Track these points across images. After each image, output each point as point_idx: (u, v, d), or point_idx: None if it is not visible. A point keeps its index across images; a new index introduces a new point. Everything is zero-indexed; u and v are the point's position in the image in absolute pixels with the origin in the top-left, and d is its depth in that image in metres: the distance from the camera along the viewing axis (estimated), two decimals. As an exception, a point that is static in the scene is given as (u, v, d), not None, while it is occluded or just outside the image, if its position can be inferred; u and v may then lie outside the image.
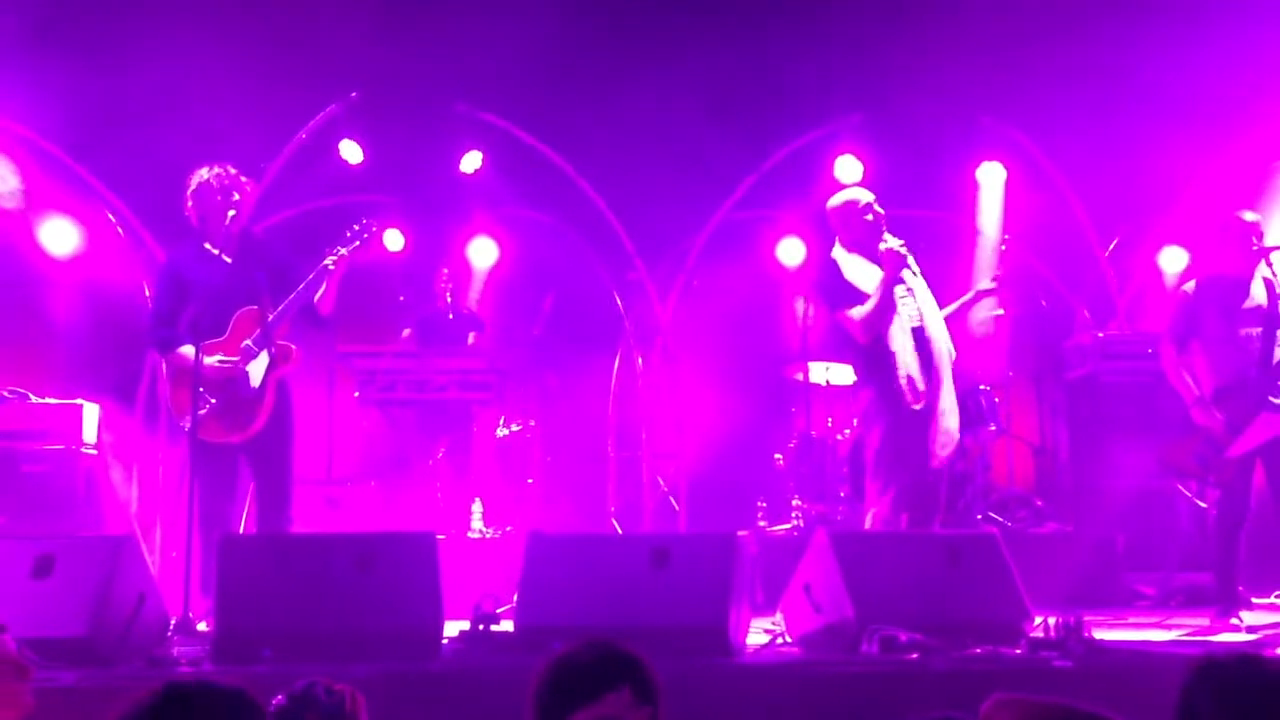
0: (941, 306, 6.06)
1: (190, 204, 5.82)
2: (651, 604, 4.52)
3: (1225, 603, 5.89)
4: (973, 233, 9.36)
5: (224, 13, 8.06)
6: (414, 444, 8.36)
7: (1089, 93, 8.67)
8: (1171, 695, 4.14)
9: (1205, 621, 5.86)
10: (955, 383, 5.96)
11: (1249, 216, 6.14)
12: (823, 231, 6.39)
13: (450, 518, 8.00)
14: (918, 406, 5.68)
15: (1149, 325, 8.71)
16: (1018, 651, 4.50)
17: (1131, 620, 6.24)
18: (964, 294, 6.41)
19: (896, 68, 8.66)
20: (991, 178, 9.35)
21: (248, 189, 5.91)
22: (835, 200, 6.07)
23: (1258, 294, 6.01)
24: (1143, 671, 4.31)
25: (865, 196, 6.00)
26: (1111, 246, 9.42)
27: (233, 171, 5.83)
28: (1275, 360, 5.90)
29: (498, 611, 4.97)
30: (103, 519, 7.70)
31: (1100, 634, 4.65)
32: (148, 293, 7.76)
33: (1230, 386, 5.96)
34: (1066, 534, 7.86)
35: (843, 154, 9.08)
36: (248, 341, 5.69)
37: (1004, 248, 8.29)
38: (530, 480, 8.43)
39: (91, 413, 7.82)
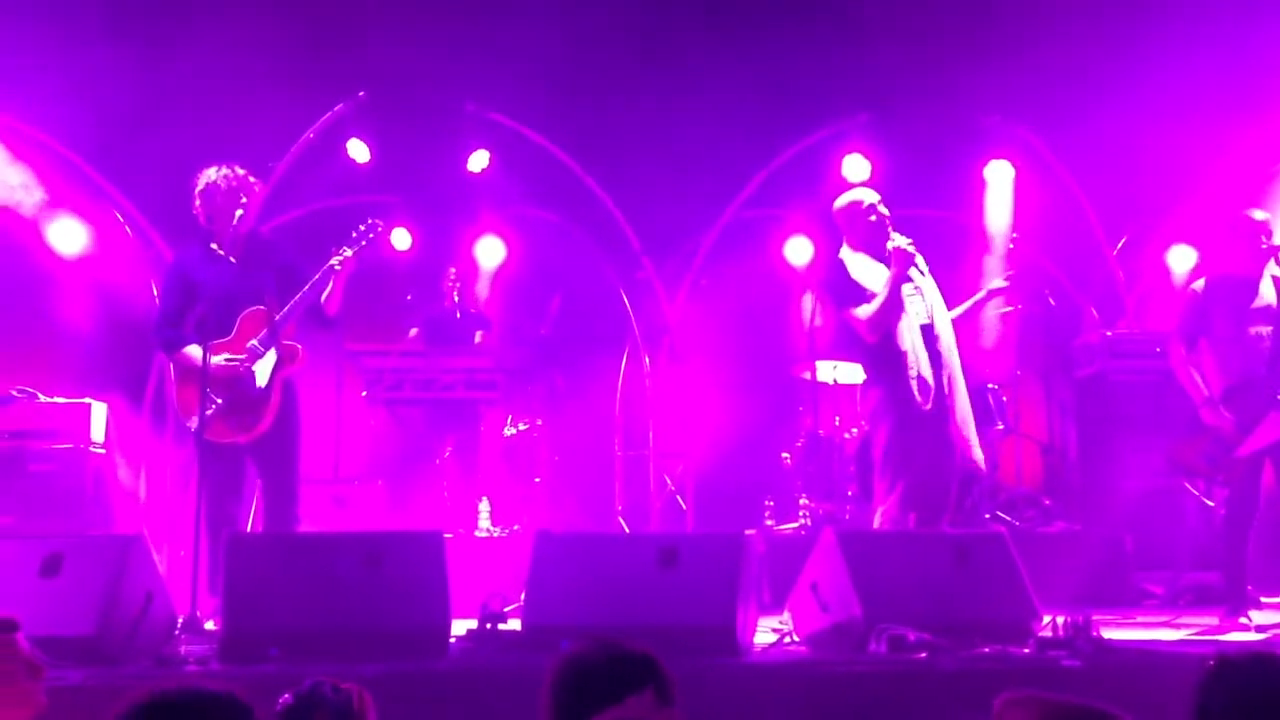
0: (951, 306, 6.06)
1: (198, 204, 5.82)
2: (659, 603, 4.52)
3: (1234, 602, 5.88)
4: (981, 232, 9.34)
5: (231, 13, 8.06)
6: (421, 443, 8.37)
7: (1097, 91, 8.65)
8: (1181, 695, 4.13)
9: (1214, 620, 5.85)
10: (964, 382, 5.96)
11: (1258, 215, 6.12)
12: (830, 231, 6.40)
13: (457, 517, 8.01)
14: (928, 406, 5.68)
15: (1157, 324, 8.69)
16: (1026, 651, 4.49)
17: (1140, 619, 6.23)
18: (975, 293, 6.40)
19: (904, 67, 8.64)
20: (999, 177, 9.32)
21: (255, 189, 5.91)
22: (840, 201, 6.09)
23: (1267, 293, 6.00)
24: (1151, 671, 4.30)
25: (870, 196, 6.00)
26: (1120, 245, 9.40)
27: (240, 172, 5.84)
28: (1285, 359, 5.89)
29: (505, 610, 4.97)
30: (111, 518, 7.71)
31: (1109, 633, 4.64)
32: (155, 292, 7.77)
33: (1239, 385, 5.95)
34: (1075, 533, 7.84)
35: (850, 153, 9.06)
36: (253, 341, 5.69)
37: (1012, 246, 8.28)
38: (537, 479, 8.44)
39: (100, 412, 7.84)
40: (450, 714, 4.12)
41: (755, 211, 9.49)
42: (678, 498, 9.02)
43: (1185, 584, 7.19)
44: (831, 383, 8.40)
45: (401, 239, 9.50)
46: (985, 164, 9.31)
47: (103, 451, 7.82)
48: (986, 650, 4.42)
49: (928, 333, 5.80)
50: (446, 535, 5.07)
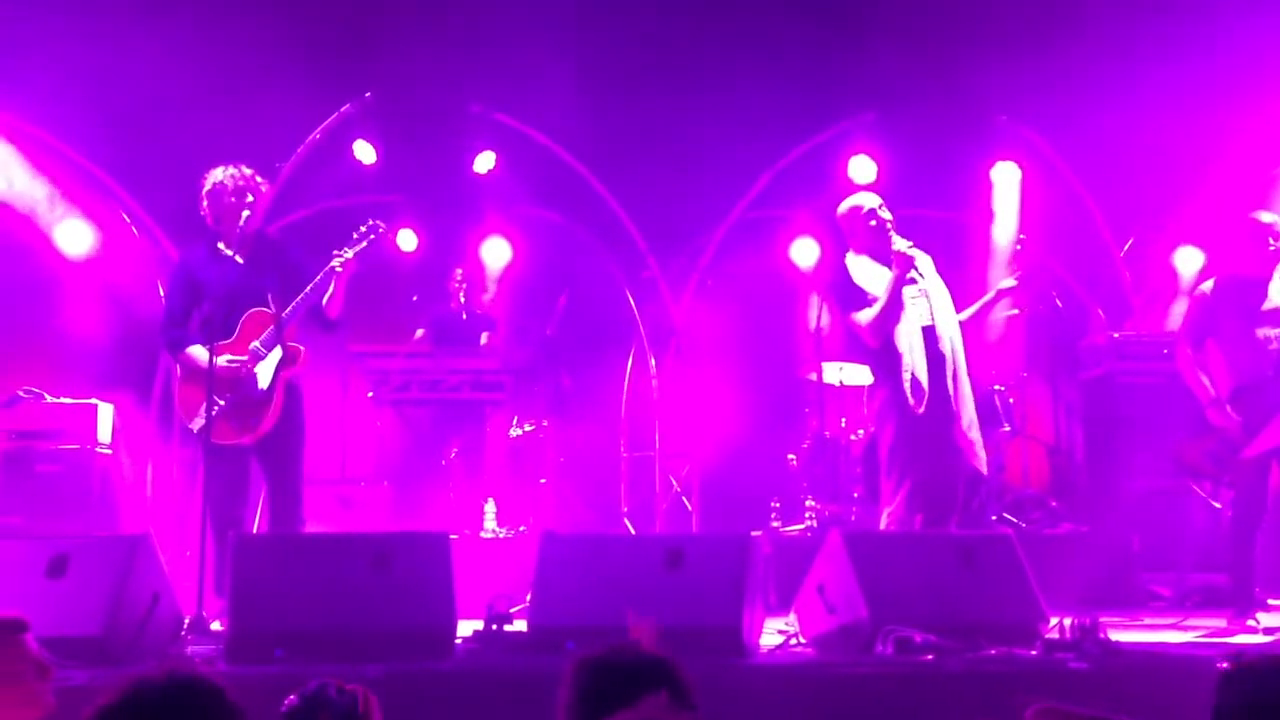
0: (959, 307, 6.06)
1: (204, 204, 5.82)
2: (665, 604, 4.49)
3: (1241, 604, 5.86)
4: (987, 233, 9.33)
5: (238, 14, 8.08)
6: (427, 444, 8.37)
7: (1104, 92, 8.63)
8: (1188, 697, 4.13)
9: (1222, 623, 5.83)
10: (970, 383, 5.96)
11: (1265, 217, 6.10)
12: (835, 234, 6.41)
13: (463, 518, 8.01)
14: (921, 409, 5.68)
15: (1164, 326, 8.68)
16: (1033, 653, 4.48)
17: (1147, 621, 6.21)
18: (983, 294, 6.40)
19: (911, 67, 8.64)
20: (1006, 177, 9.31)
21: (262, 190, 5.91)
22: (842, 206, 6.14)
23: (1275, 295, 5.98)
24: (1159, 674, 4.29)
25: (870, 201, 6.03)
26: (1127, 246, 9.39)
27: (247, 172, 5.83)
28: (1292, 361, 5.87)
29: (511, 611, 4.97)
30: (117, 518, 7.72)
31: (1116, 635, 4.63)
32: (162, 293, 7.78)
33: (1247, 387, 5.94)
34: (1081, 535, 7.83)
35: (857, 154, 9.06)
36: (256, 343, 5.69)
37: (1019, 247, 8.26)
38: (543, 480, 8.43)
39: (106, 412, 7.85)
40: (456, 715, 4.11)
41: (761, 212, 9.49)
42: (683, 499, 9.01)
43: (1192, 586, 7.18)
44: (838, 384, 8.39)
45: (407, 240, 9.51)
46: (992, 165, 9.30)
47: (109, 452, 7.83)
48: (993, 652, 4.41)
49: (929, 335, 5.80)
50: (452, 536, 5.07)
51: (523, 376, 8.44)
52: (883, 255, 5.89)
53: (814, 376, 8.36)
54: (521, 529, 8.08)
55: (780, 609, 5.63)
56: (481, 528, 8.03)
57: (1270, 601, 6.36)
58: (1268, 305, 5.96)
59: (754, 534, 4.92)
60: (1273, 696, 2.15)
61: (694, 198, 9.25)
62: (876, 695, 4.14)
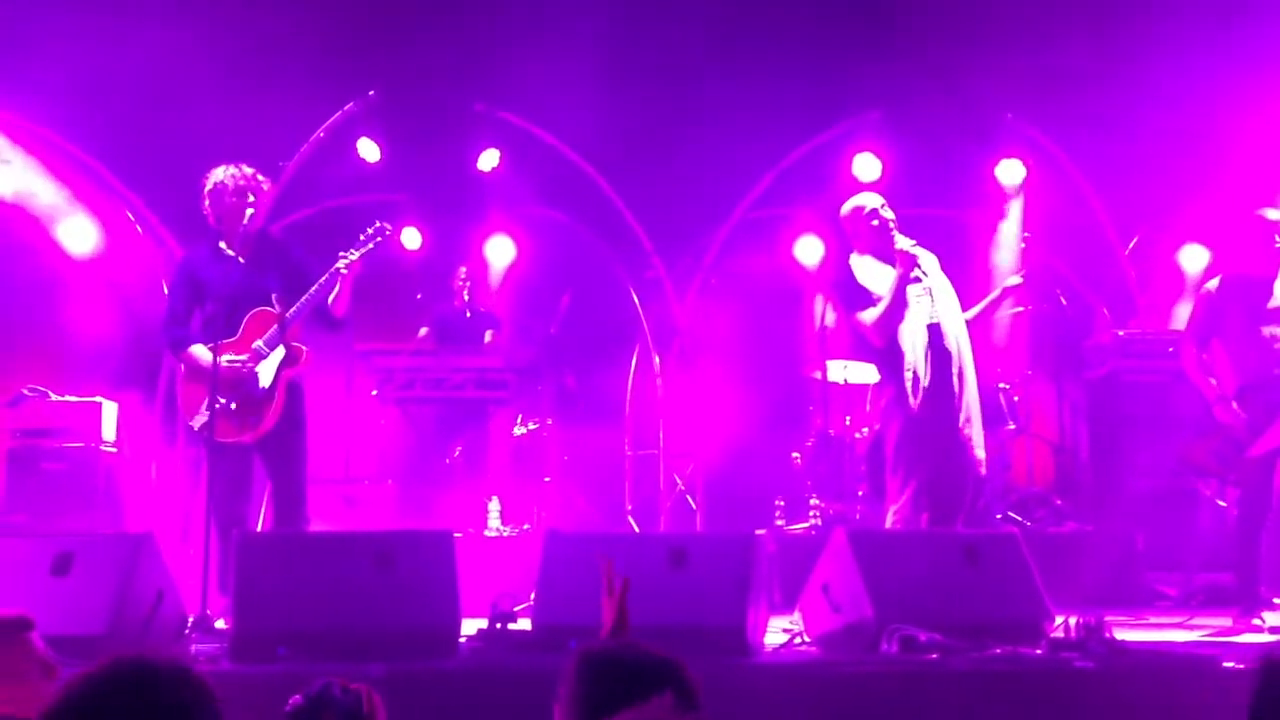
0: (964, 305, 6.06)
1: (207, 204, 5.82)
2: (669, 603, 4.50)
3: (1247, 603, 5.85)
4: (992, 231, 9.32)
5: (242, 12, 8.07)
6: (431, 442, 8.37)
7: (1109, 90, 8.62)
8: (1193, 696, 4.13)
9: (1227, 622, 5.82)
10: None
11: (1271, 214, 6.09)
12: (839, 233, 6.41)
13: (467, 516, 8.00)
14: (914, 401, 5.68)
15: (1169, 324, 8.66)
16: (1038, 652, 4.47)
17: (1152, 620, 6.20)
18: (988, 293, 6.40)
19: (915, 65, 8.63)
20: (1011, 176, 9.30)
21: (264, 189, 5.89)
22: (845, 207, 6.16)
23: (1281, 293, 5.97)
24: (1164, 673, 4.28)
25: (871, 201, 6.05)
26: (1132, 244, 9.37)
27: (248, 171, 5.82)
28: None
29: (515, 610, 4.97)
30: (122, 517, 7.73)
31: (1121, 634, 4.62)
32: (165, 292, 7.79)
33: (1252, 385, 5.92)
34: (1086, 533, 7.82)
35: (861, 152, 9.05)
36: (259, 342, 5.69)
37: (1024, 245, 8.26)
38: (547, 479, 8.43)
39: (111, 411, 7.86)
40: (460, 714, 4.11)
41: (766, 211, 9.48)
42: (688, 498, 9.01)
43: (1198, 585, 7.16)
44: (842, 382, 8.39)
45: (411, 238, 9.51)
46: (996, 163, 9.29)
47: (114, 450, 7.84)
48: (998, 651, 4.40)
49: (934, 332, 5.81)
50: (456, 535, 5.06)
51: (527, 375, 8.43)
52: (886, 254, 5.91)
53: (818, 375, 8.35)
54: (525, 528, 8.08)
55: (785, 608, 5.62)
56: (486, 526, 8.03)
57: (1276, 600, 6.33)
58: (1273, 303, 5.95)
59: (758, 533, 4.91)
60: None
61: (698, 196, 9.24)
62: (881, 694, 4.14)
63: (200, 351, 5.64)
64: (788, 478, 8.52)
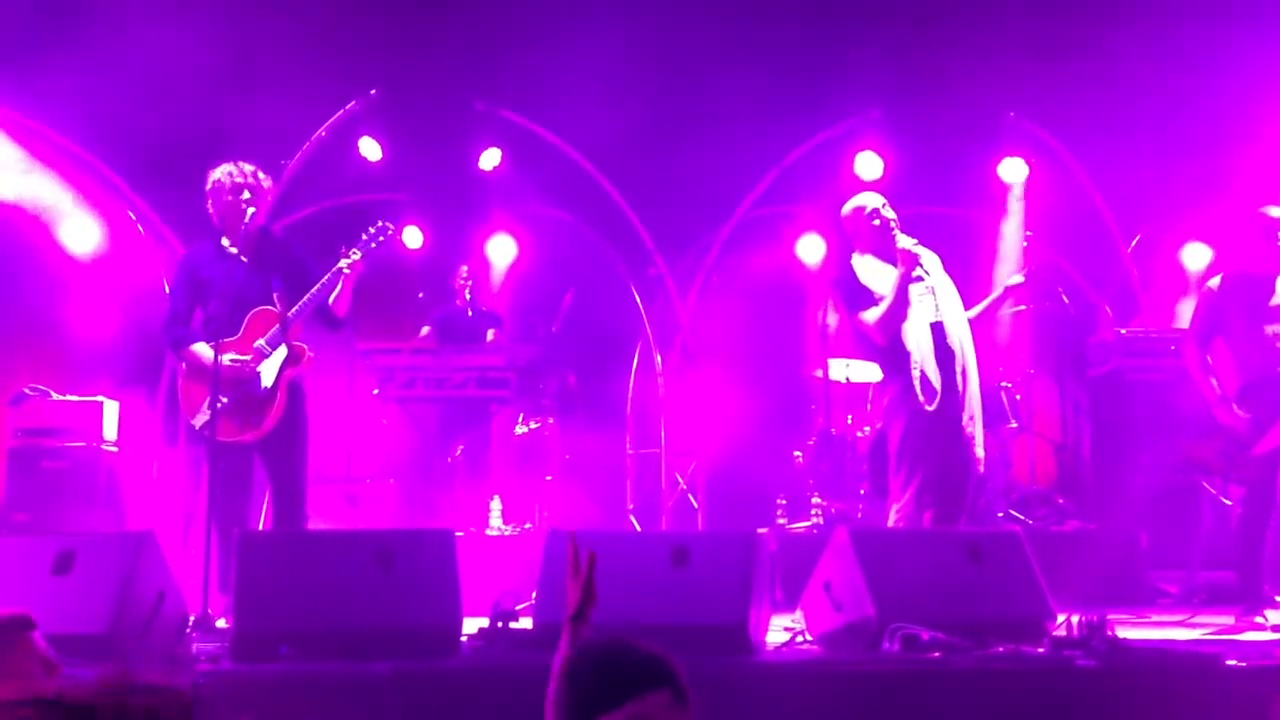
0: (967, 304, 6.06)
1: (209, 202, 5.82)
2: (671, 602, 4.50)
3: (1250, 601, 5.84)
4: (995, 229, 9.31)
5: (244, 10, 8.07)
6: (433, 441, 8.37)
7: (1111, 88, 8.61)
8: (1196, 694, 4.12)
9: (1230, 620, 5.81)
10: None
11: (1274, 212, 6.07)
12: (841, 232, 6.42)
13: (469, 515, 8.00)
14: (930, 406, 5.68)
15: (1171, 322, 8.66)
16: (1041, 650, 4.46)
17: (1155, 619, 6.19)
18: (991, 292, 6.39)
19: (917, 63, 8.62)
20: (1014, 174, 9.29)
21: (266, 187, 5.89)
22: (846, 207, 6.16)
23: (1284, 291, 5.96)
24: (1167, 671, 4.27)
25: (872, 201, 6.05)
26: (1134, 243, 9.36)
27: (248, 170, 5.81)
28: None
29: (517, 609, 4.96)
30: (123, 516, 7.73)
31: (1123, 633, 4.61)
32: (167, 290, 7.79)
33: (1255, 384, 5.91)
34: (1089, 532, 7.81)
35: (863, 150, 9.04)
36: (261, 341, 5.69)
37: (1026, 244, 8.25)
38: (549, 478, 8.43)
39: (112, 410, 7.86)
40: (461, 712, 4.10)
41: (768, 209, 9.47)
42: (689, 496, 9.01)
43: (1200, 583, 7.15)
44: (844, 381, 8.38)
45: (413, 237, 9.51)
46: (999, 161, 9.28)
47: (115, 449, 7.84)
48: (1001, 650, 4.39)
49: (937, 331, 5.81)
50: (458, 533, 5.05)
51: (528, 374, 8.43)
52: (887, 254, 5.91)
53: (820, 373, 8.35)
54: (527, 526, 8.08)
55: (786, 606, 5.62)
56: (487, 525, 8.02)
57: (1278, 598, 6.33)
58: (1275, 301, 5.94)
59: (760, 531, 4.90)
60: None
61: (700, 195, 9.23)
62: (883, 693, 4.13)
63: (202, 350, 5.64)
64: (789, 476, 8.52)
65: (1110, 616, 4.56)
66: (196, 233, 6.30)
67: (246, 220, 5.72)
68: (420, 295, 9.01)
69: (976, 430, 5.84)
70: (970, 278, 6.96)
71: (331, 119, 8.91)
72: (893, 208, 6.02)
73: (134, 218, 8.66)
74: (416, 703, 4.01)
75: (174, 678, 1.92)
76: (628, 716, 1.99)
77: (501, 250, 9.82)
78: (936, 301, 5.86)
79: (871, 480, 7.81)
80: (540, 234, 9.74)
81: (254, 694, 3.64)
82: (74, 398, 7.80)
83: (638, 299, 9.38)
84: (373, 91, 8.93)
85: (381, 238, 5.88)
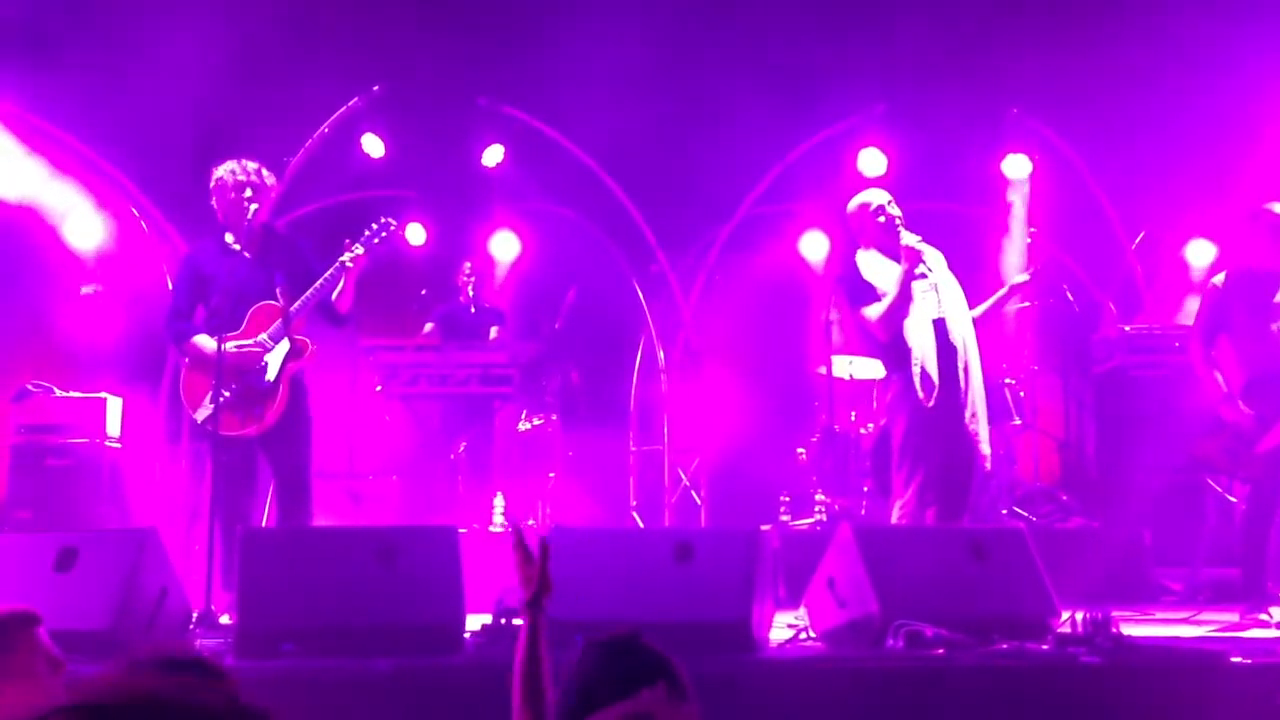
0: (972, 301, 6.06)
1: (212, 199, 5.83)
2: (674, 599, 4.50)
3: (1254, 598, 5.83)
4: (998, 226, 9.29)
5: (247, 7, 8.06)
6: (436, 438, 8.36)
7: (1115, 84, 8.59)
8: (1200, 692, 4.11)
9: (1234, 617, 5.80)
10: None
11: (1278, 209, 6.06)
12: (845, 229, 6.42)
13: (472, 512, 8.00)
14: (929, 402, 5.69)
15: (1176, 319, 8.64)
16: (1045, 647, 4.45)
17: (1159, 616, 6.18)
18: (997, 289, 6.39)
19: (921, 59, 8.60)
20: (1017, 170, 9.27)
21: (268, 183, 5.89)
22: (851, 204, 6.16)
23: (1288, 287, 5.94)
24: (1172, 669, 4.26)
25: (877, 198, 6.05)
26: (1138, 239, 9.34)
27: (250, 167, 5.81)
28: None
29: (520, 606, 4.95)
30: (126, 513, 7.72)
31: (1127, 630, 4.61)
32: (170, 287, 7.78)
33: (1260, 381, 5.90)
34: (1093, 529, 7.80)
35: (866, 147, 9.02)
36: (264, 335, 5.70)
37: (1030, 240, 8.23)
38: (552, 474, 8.42)
39: (115, 406, 7.85)
40: (464, 709, 4.10)
41: (771, 206, 9.46)
42: (693, 493, 9.00)
43: (1204, 580, 7.14)
44: (847, 378, 8.37)
45: (416, 234, 9.50)
46: (1003, 157, 9.26)
47: (118, 446, 7.83)
48: (1005, 647, 4.39)
49: (939, 327, 5.82)
50: (461, 530, 5.05)
51: (531, 371, 8.42)
52: (892, 251, 5.93)
53: (823, 370, 8.33)
54: (530, 523, 8.07)
55: (790, 603, 5.61)
56: (490, 522, 8.02)
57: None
58: (1280, 298, 5.93)
59: (763, 528, 4.89)
60: None
61: (703, 192, 9.22)
62: (887, 690, 4.12)
63: (204, 341, 5.64)
64: (793, 473, 8.51)
65: (1114, 614, 4.56)
66: (200, 230, 6.31)
67: (250, 217, 5.72)
68: (423, 292, 9.00)
69: (980, 427, 5.84)
70: (974, 274, 6.95)
71: (334, 115, 8.90)
72: (897, 205, 6.02)
73: (138, 215, 8.66)
74: (419, 700, 4.01)
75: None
76: (623, 712, 1.98)
77: (504, 247, 9.81)
78: (939, 298, 5.86)
79: (875, 477, 7.80)
80: (543, 231, 9.73)
81: (257, 691, 3.64)
82: (77, 394, 7.80)
83: (641, 296, 9.37)
84: (376, 88, 8.92)
85: (384, 233, 5.88)
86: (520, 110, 9.10)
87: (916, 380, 5.72)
